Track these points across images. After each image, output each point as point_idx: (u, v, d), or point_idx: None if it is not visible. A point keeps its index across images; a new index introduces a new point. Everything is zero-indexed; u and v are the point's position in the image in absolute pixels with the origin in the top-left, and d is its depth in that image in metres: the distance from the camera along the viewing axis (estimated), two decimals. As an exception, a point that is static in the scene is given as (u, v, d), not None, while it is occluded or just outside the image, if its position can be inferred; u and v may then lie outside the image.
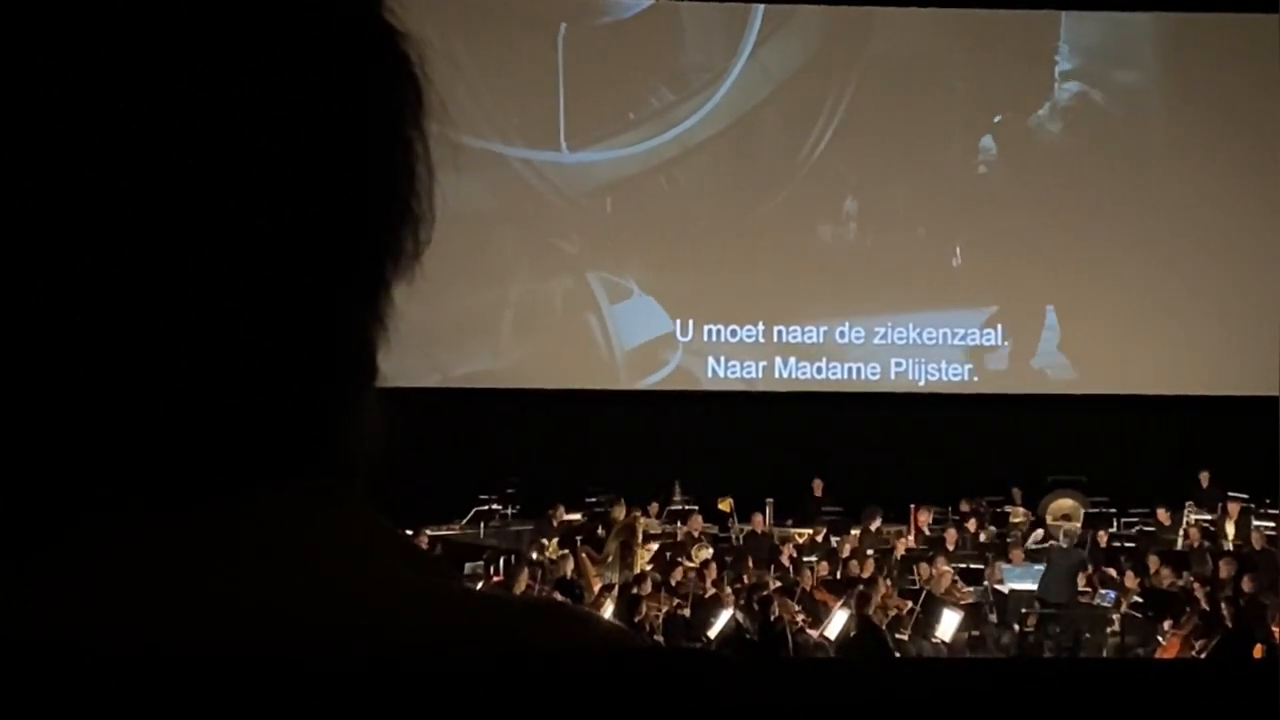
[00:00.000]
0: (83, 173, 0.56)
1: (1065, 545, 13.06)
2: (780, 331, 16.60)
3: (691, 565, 13.04)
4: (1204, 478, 14.94)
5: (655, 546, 13.77)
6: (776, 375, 16.67)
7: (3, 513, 0.58)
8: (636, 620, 11.06)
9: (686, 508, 14.66)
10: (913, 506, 14.53)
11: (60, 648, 0.55)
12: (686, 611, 11.79)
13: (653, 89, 16.18)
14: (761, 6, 16.27)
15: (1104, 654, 11.82)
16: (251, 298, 0.58)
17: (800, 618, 11.80)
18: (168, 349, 0.57)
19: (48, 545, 0.57)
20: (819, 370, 16.70)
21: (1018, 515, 15.07)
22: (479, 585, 11.56)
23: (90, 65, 0.56)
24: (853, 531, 14.09)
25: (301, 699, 0.55)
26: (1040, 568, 12.88)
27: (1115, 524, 14.43)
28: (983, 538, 14.08)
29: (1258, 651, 10.59)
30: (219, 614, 0.57)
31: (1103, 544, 13.74)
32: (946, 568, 12.73)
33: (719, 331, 16.60)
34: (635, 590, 11.99)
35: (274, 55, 0.59)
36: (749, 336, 16.61)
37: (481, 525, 14.56)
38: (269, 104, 0.59)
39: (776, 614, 11.54)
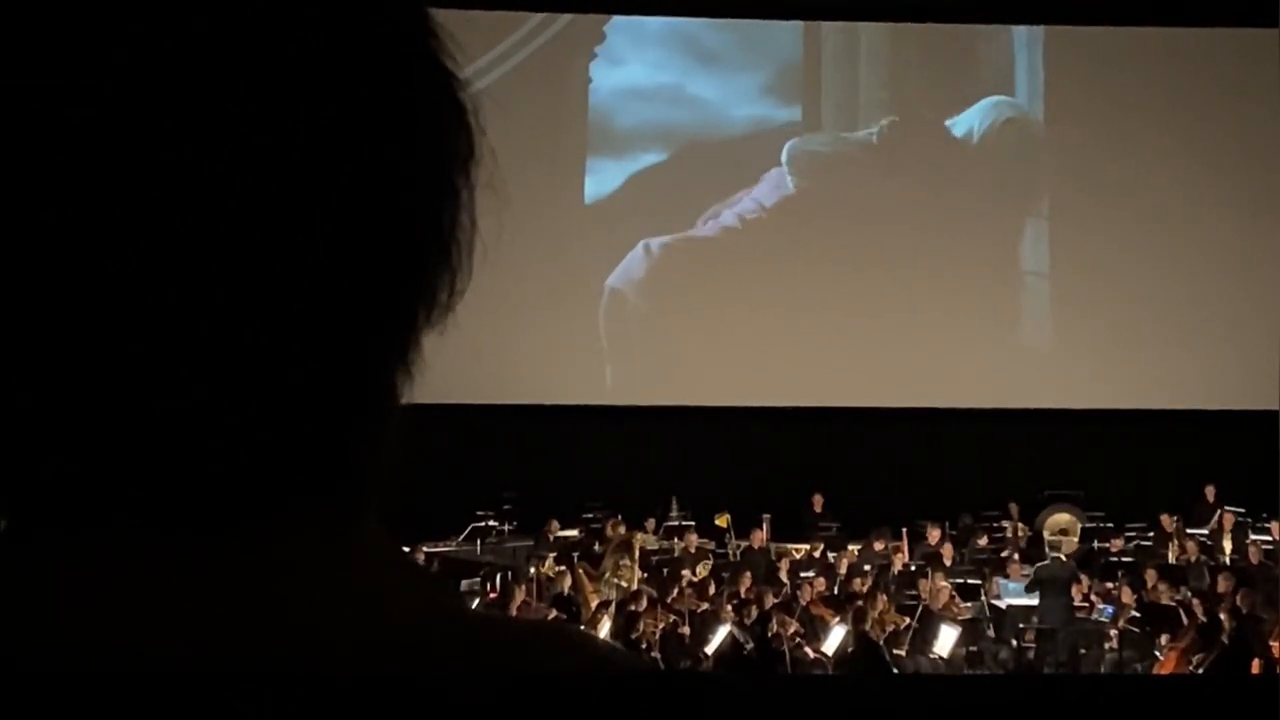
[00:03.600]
0: (135, 199, 0.57)
1: (1051, 562, 12.95)
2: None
3: (689, 577, 13.04)
4: (1209, 493, 14.92)
5: (653, 562, 13.76)
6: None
7: (22, 520, 0.60)
8: (634, 637, 11.05)
9: (684, 523, 14.65)
10: (905, 532, 14.50)
11: (69, 659, 0.56)
12: (684, 628, 11.77)
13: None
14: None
15: (1101, 669, 11.80)
16: (285, 332, 0.59)
17: (798, 633, 11.78)
18: (197, 372, 0.58)
19: (67, 555, 0.59)
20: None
21: (1015, 530, 15.06)
22: (475, 602, 11.56)
23: (145, 104, 0.57)
24: (850, 547, 14.08)
25: (298, 713, 0.56)
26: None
27: (1112, 539, 14.42)
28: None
29: (1255, 666, 10.58)
30: (227, 627, 0.58)
31: (1100, 558, 13.74)
32: (944, 583, 12.71)
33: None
34: (632, 606, 11.97)
35: (330, 97, 0.60)
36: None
37: (478, 542, 14.54)
38: (321, 143, 0.59)
39: (774, 630, 11.52)
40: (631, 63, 17.21)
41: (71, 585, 0.58)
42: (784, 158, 16.99)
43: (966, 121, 17.04)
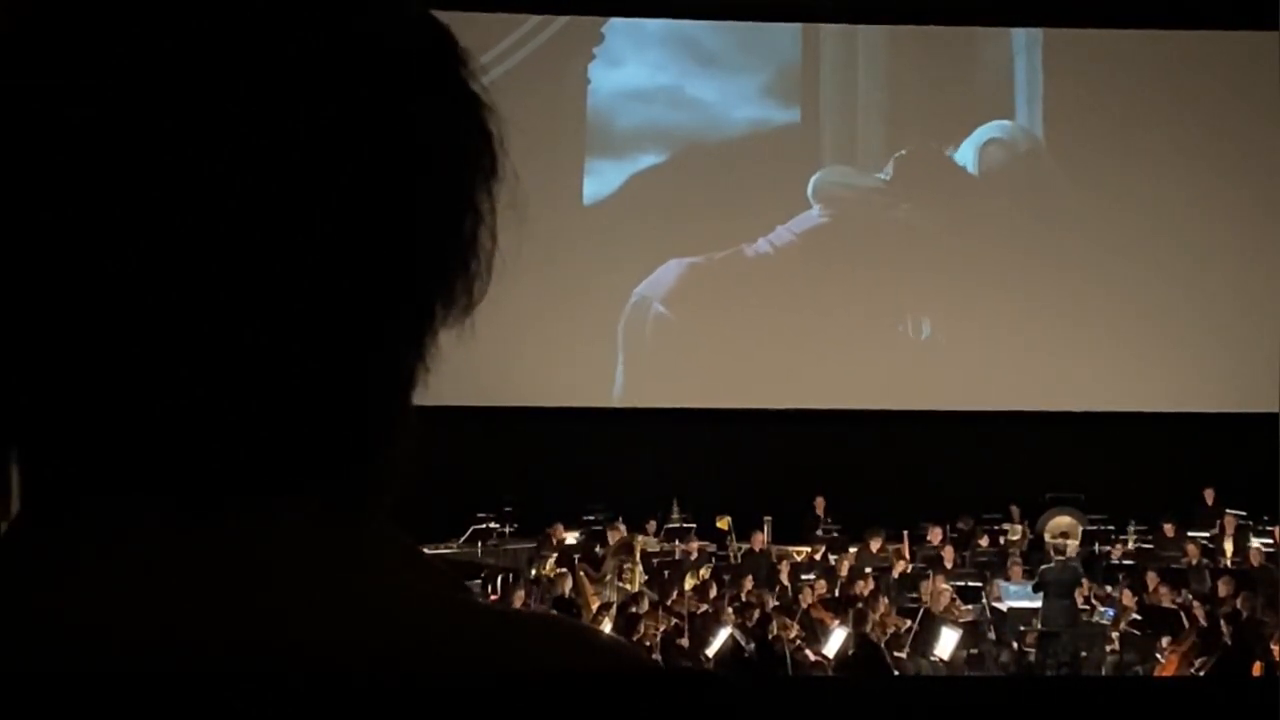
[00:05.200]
0: (136, 199, 0.57)
1: (1056, 565, 12.93)
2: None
3: (690, 579, 13.04)
4: (1208, 495, 14.92)
5: (654, 565, 13.76)
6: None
7: (30, 511, 0.61)
8: (634, 639, 11.04)
9: (684, 526, 14.64)
10: (906, 534, 14.49)
11: (71, 647, 0.57)
12: (684, 630, 11.77)
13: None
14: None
15: (1103, 671, 11.79)
16: (285, 332, 0.60)
17: (798, 636, 11.78)
18: (197, 371, 0.59)
19: (69, 548, 0.60)
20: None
21: (1016, 533, 15.05)
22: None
23: (145, 104, 0.57)
24: (851, 549, 14.08)
25: (293, 707, 0.56)
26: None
27: (1113, 541, 14.41)
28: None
29: (1256, 669, 10.58)
30: (224, 621, 0.58)
31: (1101, 560, 13.73)
32: (945, 585, 12.71)
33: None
34: (633, 609, 11.98)
35: (330, 98, 0.60)
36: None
37: (479, 544, 14.54)
38: (320, 144, 0.60)
39: (775, 632, 11.51)
40: (630, 64, 17.22)
41: (74, 576, 0.59)
42: (810, 191, 17.06)
43: (967, 149, 17.10)
